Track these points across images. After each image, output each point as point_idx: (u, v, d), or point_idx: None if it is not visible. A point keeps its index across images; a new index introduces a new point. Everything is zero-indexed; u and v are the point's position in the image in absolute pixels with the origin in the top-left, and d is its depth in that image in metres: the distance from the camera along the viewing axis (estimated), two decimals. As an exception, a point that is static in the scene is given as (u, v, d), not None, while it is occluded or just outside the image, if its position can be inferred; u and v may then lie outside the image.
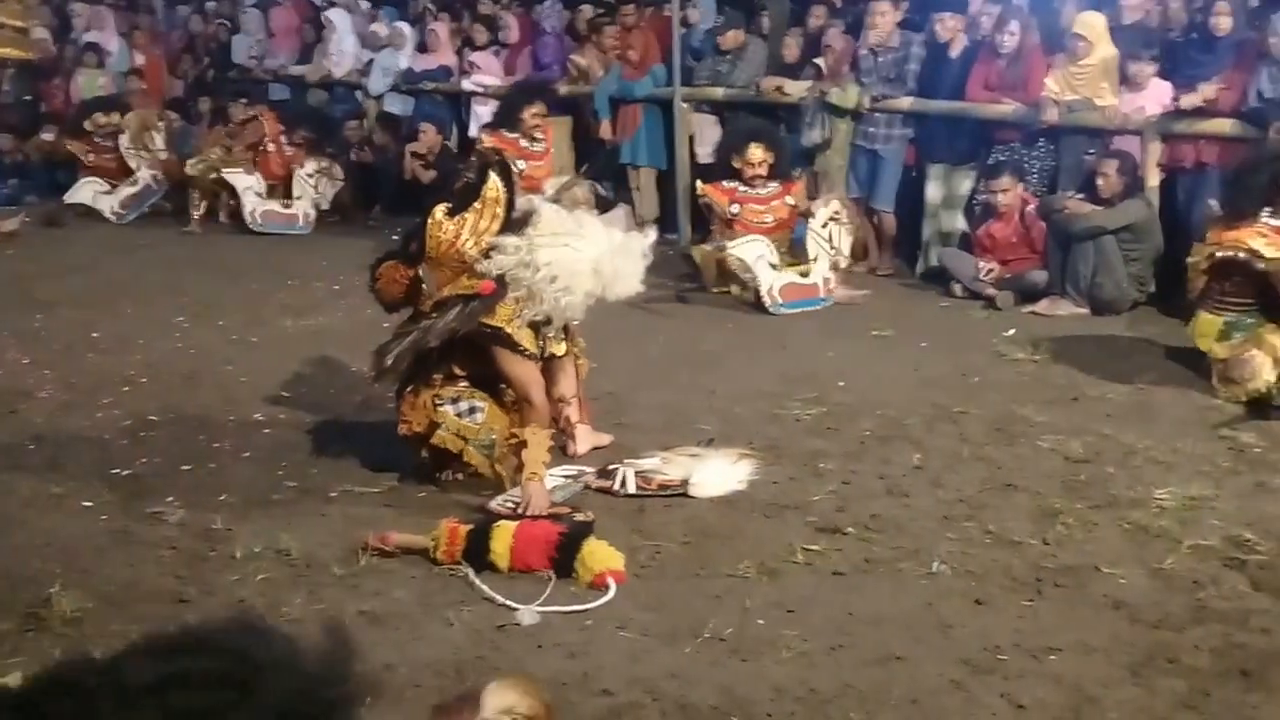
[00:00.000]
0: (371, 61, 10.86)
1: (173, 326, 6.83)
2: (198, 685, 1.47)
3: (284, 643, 1.63)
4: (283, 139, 10.02)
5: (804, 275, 7.40)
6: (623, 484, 4.49)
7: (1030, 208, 7.36)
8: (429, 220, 4.40)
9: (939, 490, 4.52)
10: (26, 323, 6.84)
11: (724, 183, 7.66)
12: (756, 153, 7.48)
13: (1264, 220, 5.62)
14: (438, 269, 4.50)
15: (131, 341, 6.50)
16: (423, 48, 10.66)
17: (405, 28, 10.87)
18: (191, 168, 9.84)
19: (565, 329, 4.68)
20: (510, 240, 4.31)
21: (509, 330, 4.31)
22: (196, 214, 9.66)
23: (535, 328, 4.39)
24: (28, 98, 11.73)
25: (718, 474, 4.53)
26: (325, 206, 10.07)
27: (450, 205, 4.40)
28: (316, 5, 12.38)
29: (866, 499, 4.44)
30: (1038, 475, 4.64)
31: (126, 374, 5.95)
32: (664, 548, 4.05)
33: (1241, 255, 5.62)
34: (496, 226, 4.36)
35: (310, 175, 10.00)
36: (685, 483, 4.48)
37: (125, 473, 4.63)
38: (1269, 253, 5.52)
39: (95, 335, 6.63)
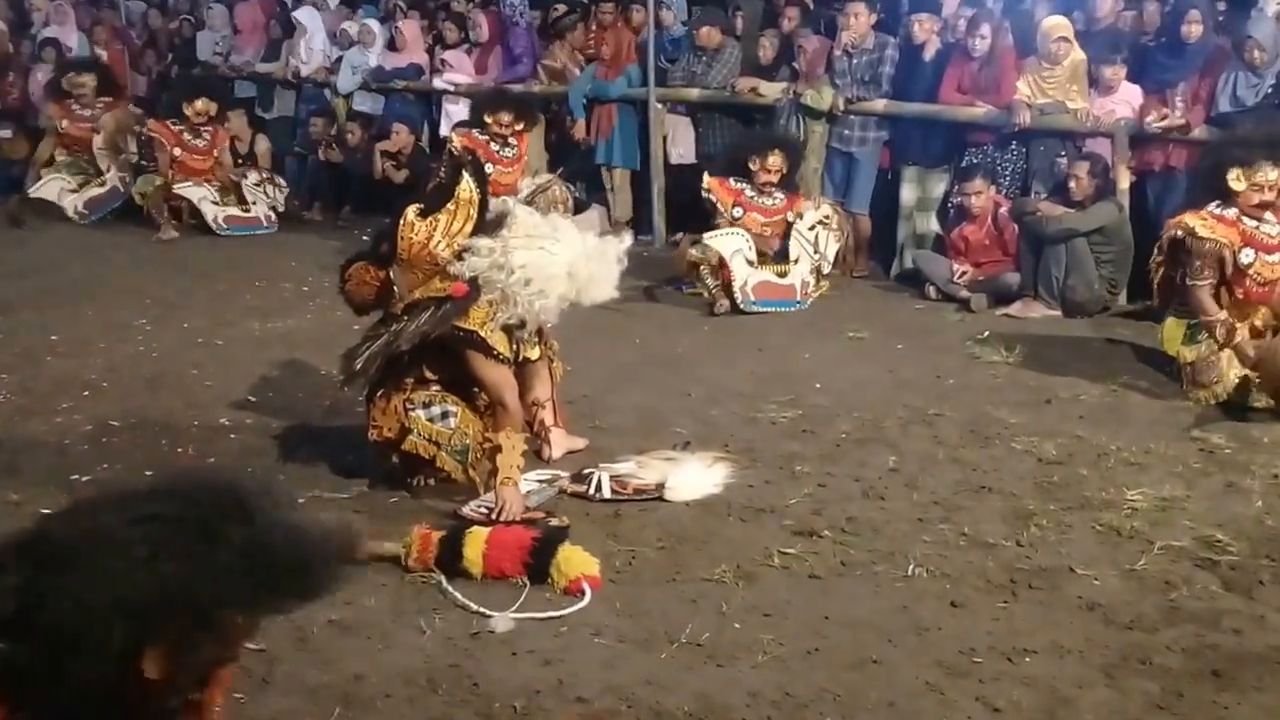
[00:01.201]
0: (340, 59, 10.75)
1: (135, 329, 6.70)
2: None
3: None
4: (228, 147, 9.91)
5: (781, 275, 7.37)
6: (598, 489, 4.44)
7: (1003, 210, 7.39)
8: (400, 221, 4.34)
9: (914, 492, 4.52)
10: (-15, 326, 6.70)
11: (731, 181, 7.56)
12: (776, 161, 7.46)
13: (1209, 209, 5.70)
14: (409, 271, 4.43)
15: (92, 344, 6.37)
16: (393, 45, 10.57)
17: (375, 25, 10.78)
18: (138, 194, 9.68)
19: (539, 332, 4.63)
20: (484, 242, 4.26)
21: (482, 334, 4.25)
22: (163, 219, 9.47)
23: (509, 331, 4.33)
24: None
25: (693, 478, 4.50)
26: (281, 210, 9.98)
27: (422, 206, 4.35)
28: (283, 2, 12.28)
29: (842, 502, 4.43)
30: (1012, 477, 4.65)
31: (87, 378, 5.84)
32: (639, 553, 4.02)
33: (1179, 234, 5.70)
34: (470, 228, 4.31)
35: (256, 184, 9.92)
36: (660, 487, 4.44)
37: (86, 479, 4.53)
38: (1203, 231, 5.60)
39: (54, 338, 6.50)
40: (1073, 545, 4.04)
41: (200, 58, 11.90)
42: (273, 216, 9.83)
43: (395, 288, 4.51)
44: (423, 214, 4.34)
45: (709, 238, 7.34)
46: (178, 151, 9.63)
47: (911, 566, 3.88)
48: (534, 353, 4.52)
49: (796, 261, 7.43)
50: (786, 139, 7.89)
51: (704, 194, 7.61)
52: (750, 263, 7.29)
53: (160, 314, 7.00)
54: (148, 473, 4.66)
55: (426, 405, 4.37)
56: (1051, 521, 4.21)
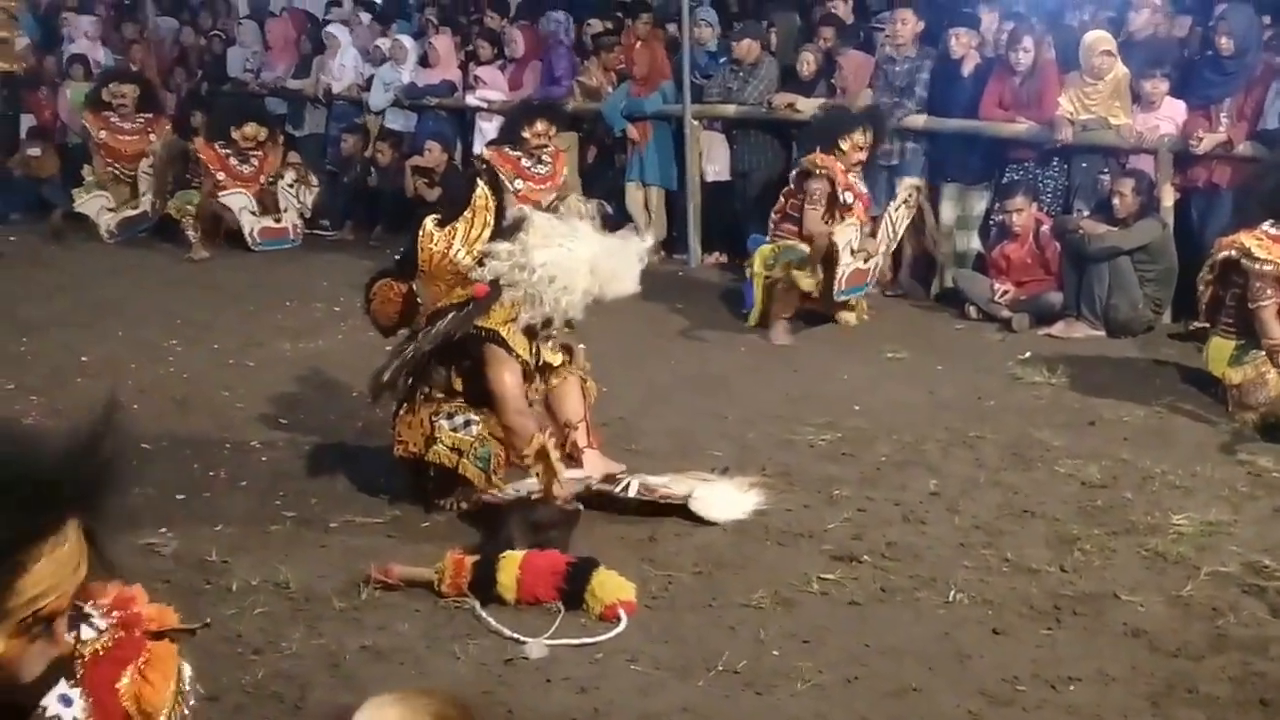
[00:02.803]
0: (372, 76, 10.76)
1: (166, 350, 6.69)
2: None
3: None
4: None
5: (865, 260, 7.16)
6: (625, 489, 4.40)
7: (1044, 228, 7.29)
8: (420, 233, 4.39)
9: (955, 517, 4.45)
10: (12, 346, 6.69)
11: (839, 164, 7.12)
12: (863, 137, 7.12)
13: (1264, 229, 5.60)
14: (432, 283, 4.48)
15: (122, 365, 6.36)
16: (425, 62, 10.57)
17: (407, 41, 10.77)
18: (174, 209, 9.67)
19: (570, 351, 4.61)
20: (503, 246, 4.28)
21: (504, 333, 4.23)
22: (195, 237, 9.48)
23: (531, 334, 4.30)
24: (9, 112, 11.52)
25: (724, 496, 4.44)
26: (308, 214, 10.00)
27: (440, 216, 4.40)
28: (314, 18, 12.32)
29: (882, 526, 4.38)
30: (1055, 501, 4.58)
31: (117, 399, 5.80)
32: (676, 578, 3.97)
33: (1234, 254, 5.61)
34: (487, 234, 4.34)
35: (290, 185, 9.92)
36: (688, 498, 4.37)
37: (117, 502, 4.50)
38: (1260, 252, 5.51)
39: (84, 359, 6.50)
40: (1117, 571, 3.99)
41: (230, 74, 11.94)
42: (299, 227, 9.86)
43: (419, 301, 4.52)
44: (441, 223, 4.40)
45: (837, 232, 7.01)
46: (222, 176, 9.61)
47: (953, 592, 3.83)
48: (554, 357, 4.49)
49: (880, 243, 7.27)
50: (873, 114, 7.59)
51: (812, 170, 7.11)
52: (854, 252, 7.07)
53: (191, 334, 6.99)
54: (179, 496, 4.65)
55: (450, 415, 4.37)
56: (1096, 546, 4.16)
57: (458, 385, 4.41)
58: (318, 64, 11.18)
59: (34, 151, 10.92)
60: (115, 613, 1.92)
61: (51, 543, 1.67)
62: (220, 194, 9.56)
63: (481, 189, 4.39)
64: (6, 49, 10.97)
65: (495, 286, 4.25)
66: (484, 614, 3.69)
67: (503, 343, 4.23)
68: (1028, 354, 6.55)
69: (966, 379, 6.18)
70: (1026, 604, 3.76)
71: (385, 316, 4.67)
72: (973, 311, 7.41)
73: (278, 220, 9.76)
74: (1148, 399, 5.78)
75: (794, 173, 7.44)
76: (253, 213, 9.63)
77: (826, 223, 7.02)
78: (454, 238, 4.36)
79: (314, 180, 10.12)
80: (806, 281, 6.85)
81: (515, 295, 4.24)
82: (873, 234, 7.19)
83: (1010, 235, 7.39)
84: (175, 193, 9.93)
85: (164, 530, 4.31)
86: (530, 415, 4.31)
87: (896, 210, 7.35)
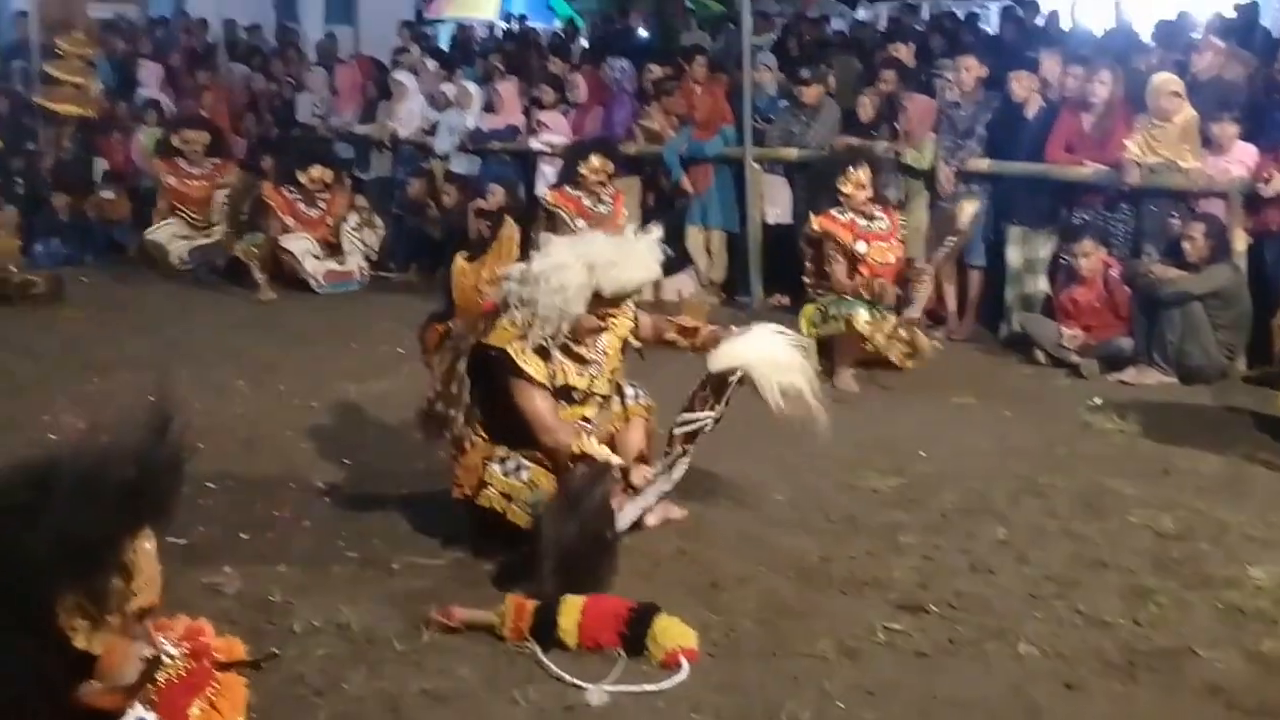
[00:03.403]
0: (438, 121, 10.89)
1: (232, 390, 6.75)
2: None
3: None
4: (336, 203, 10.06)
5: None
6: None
7: (1113, 272, 7.19)
8: (453, 270, 4.49)
9: (1025, 567, 4.37)
10: (83, 386, 6.76)
11: (834, 213, 6.98)
12: (862, 174, 6.93)
13: None
14: (467, 318, 4.51)
15: (189, 406, 6.41)
16: (490, 107, 10.69)
17: (472, 87, 10.90)
18: (241, 251, 9.80)
19: (637, 394, 4.60)
20: (515, 268, 4.32)
21: (511, 351, 4.23)
22: (262, 279, 9.60)
23: (544, 354, 4.27)
24: (84, 156, 11.71)
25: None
26: (374, 257, 10.09)
27: (470, 253, 4.51)
28: (381, 65, 12.52)
29: (949, 575, 4.30)
30: (1128, 552, 4.49)
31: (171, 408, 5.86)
32: (738, 625, 3.91)
33: None
34: (510, 264, 4.40)
35: (355, 229, 10.02)
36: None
37: (182, 542, 4.53)
38: None
39: (153, 399, 6.56)
40: (1194, 625, 3.90)
41: (299, 119, 12.14)
42: (365, 269, 9.95)
43: None
44: (470, 259, 4.51)
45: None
46: (290, 220, 9.74)
47: (1023, 645, 3.76)
48: (603, 386, 4.47)
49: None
50: (861, 149, 7.57)
51: (814, 236, 7.05)
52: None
53: (257, 375, 7.04)
54: (243, 535, 4.67)
55: (503, 460, 4.37)
56: (1171, 599, 4.07)
57: (493, 420, 4.42)
58: (384, 109, 11.34)
59: (107, 195, 11.11)
60: (185, 643, 1.97)
61: (143, 538, 1.75)
62: (282, 238, 9.68)
63: (508, 222, 4.45)
64: (82, 95, 11.26)
65: (503, 304, 4.29)
66: (545, 659, 3.66)
67: (513, 364, 4.23)
68: (1098, 400, 6.46)
69: (1035, 425, 6.09)
70: (1100, 658, 3.67)
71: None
72: (1041, 357, 7.32)
73: (342, 263, 9.86)
74: (1222, 447, 5.67)
75: (801, 241, 7.32)
76: (316, 256, 9.74)
77: (851, 278, 6.92)
78: (483, 270, 4.42)
79: (378, 223, 10.22)
80: (867, 327, 6.78)
81: (524, 312, 4.25)
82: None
83: (1079, 279, 7.30)
84: (245, 233, 10.09)
85: (228, 569, 4.32)
86: (563, 429, 4.29)
87: (951, 239, 7.29)
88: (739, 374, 4.48)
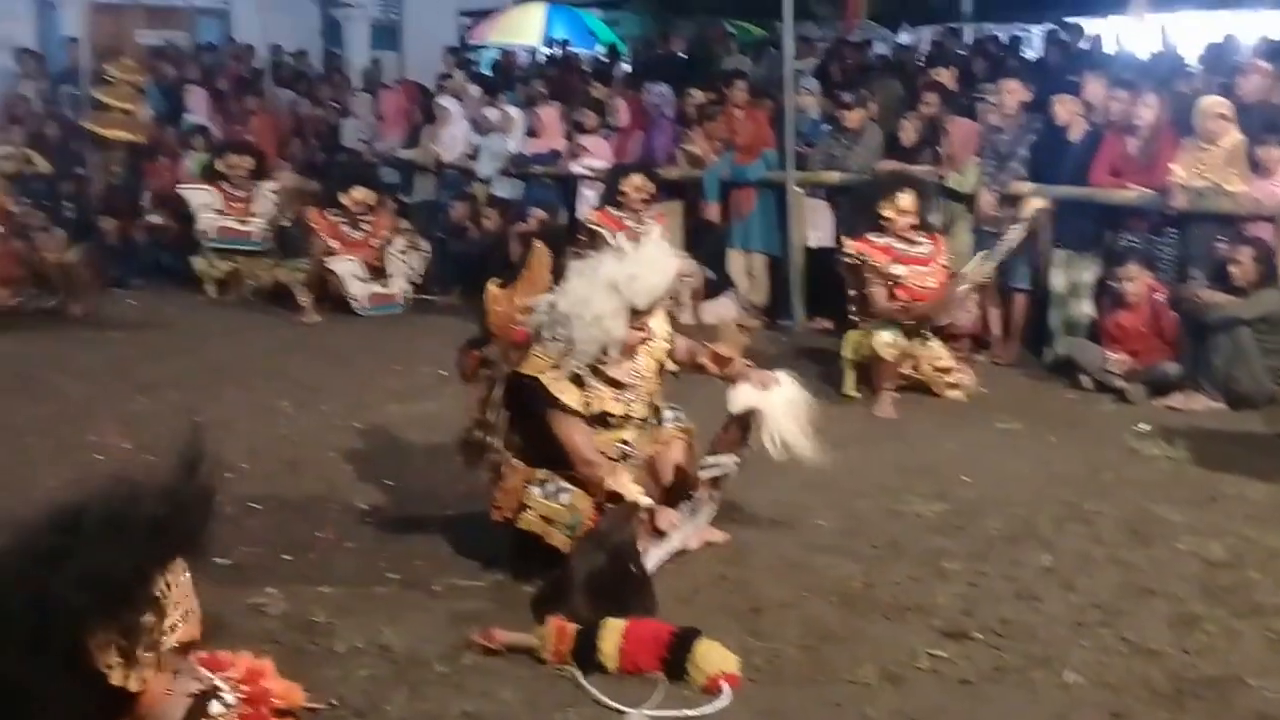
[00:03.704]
0: (480, 146, 10.97)
1: (276, 411, 6.80)
2: None
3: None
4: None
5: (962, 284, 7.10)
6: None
7: (1159, 297, 7.12)
8: (486, 297, 4.50)
9: (1071, 594, 4.32)
10: (129, 406, 6.83)
11: (871, 237, 6.99)
12: (907, 200, 6.91)
13: None
14: (501, 343, 4.52)
15: (234, 426, 6.46)
16: (532, 132, 10.76)
17: (515, 112, 10.99)
18: (285, 274, 9.89)
19: (677, 417, 4.60)
20: (543, 301, 4.32)
21: (545, 380, 4.23)
22: (306, 301, 9.69)
23: (580, 382, 4.27)
24: (132, 181, 11.86)
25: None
26: (418, 280, 10.15)
27: (502, 279, 4.52)
28: (425, 90, 12.63)
29: (994, 602, 4.25)
30: (1176, 579, 4.43)
31: (229, 460, 5.92)
32: (780, 651, 3.88)
33: None
34: (542, 289, 4.40)
35: (401, 252, 10.08)
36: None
37: (226, 562, 4.56)
38: None
39: (198, 419, 6.61)
40: (1243, 654, 3.84)
41: (345, 144, 12.26)
42: (408, 292, 10.01)
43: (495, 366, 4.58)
44: (502, 285, 4.50)
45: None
46: (334, 243, 9.80)
47: (1069, 673, 3.71)
48: (640, 410, 4.45)
49: (987, 259, 7.22)
50: (909, 174, 7.52)
51: (850, 260, 7.08)
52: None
53: (301, 397, 7.09)
54: (286, 556, 4.70)
55: (543, 484, 4.38)
56: (1220, 628, 4.01)
57: (531, 444, 4.42)
58: (428, 134, 11.44)
59: (155, 219, 11.28)
60: (244, 688, 1.96)
61: (174, 571, 1.74)
62: (328, 260, 9.75)
63: (539, 246, 4.46)
64: (132, 120, 11.41)
65: (536, 335, 4.30)
66: (585, 683, 3.65)
67: (547, 393, 4.23)
68: (1145, 426, 6.39)
69: (1081, 451, 6.03)
70: (1147, 687, 3.62)
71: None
72: (1086, 382, 7.25)
73: (385, 286, 9.92)
74: (1271, 473, 5.58)
75: (841, 265, 7.30)
76: (360, 279, 9.81)
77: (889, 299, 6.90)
78: (514, 295, 4.43)
79: (424, 246, 10.27)
80: (888, 350, 6.77)
81: (557, 342, 4.25)
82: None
83: (1124, 304, 7.23)
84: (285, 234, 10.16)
85: (271, 590, 4.35)
86: (599, 461, 4.29)
87: (1014, 229, 7.24)
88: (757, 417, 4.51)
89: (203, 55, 15.00)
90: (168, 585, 1.78)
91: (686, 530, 4.56)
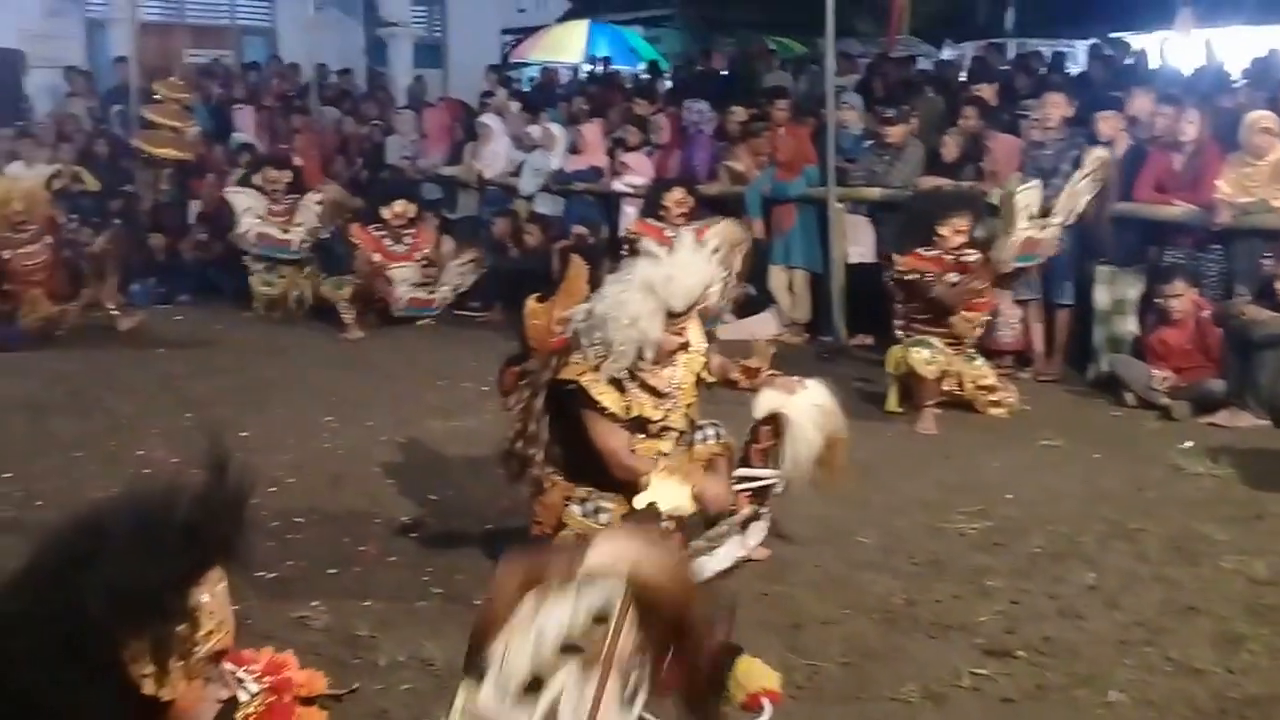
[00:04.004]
0: (523, 162, 11.04)
1: (321, 427, 6.86)
2: None
3: None
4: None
5: (1042, 229, 7.02)
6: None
7: (1205, 313, 7.05)
8: (525, 312, 4.54)
9: (1115, 612, 4.30)
10: (176, 421, 6.92)
11: (921, 251, 7.00)
12: (964, 222, 6.93)
13: None
14: (542, 358, 4.53)
15: (280, 441, 6.54)
16: (574, 149, 10.82)
17: (556, 129, 11.05)
18: (330, 290, 9.94)
19: (718, 433, 4.60)
20: (579, 310, 4.36)
21: (584, 382, 4.24)
22: (349, 318, 9.76)
23: (620, 386, 4.28)
24: (179, 198, 11.99)
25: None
26: (465, 289, 10.24)
27: (540, 294, 4.55)
28: (468, 107, 12.73)
29: (1037, 620, 4.23)
30: (1220, 598, 4.39)
31: (274, 474, 5.98)
32: (822, 668, 3.89)
33: None
34: (580, 302, 4.43)
35: (462, 265, 10.16)
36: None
37: (271, 575, 4.61)
38: None
39: (244, 435, 6.70)
40: (1288, 673, 3.78)
41: (389, 161, 12.36)
42: (449, 300, 10.12)
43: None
44: (541, 299, 4.53)
45: (1021, 189, 7.00)
46: (378, 257, 9.86)
47: (1113, 692, 3.69)
48: (678, 420, 4.46)
49: (1056, 214, 7.10)
50: (962, 197, 7.44)
51: (899, 277, 7.05)
52: (1031, 218, 6.97)
53: (345, 412, 7.15)
54: (330, 570, 4.74)
55: (582, 501, 4.39)
56: (1264, 647, 3.98)
57: (571, 458, 4.44)
58: (470, 151, 11.52)
59: (201, 236, 11.41)
60: (267, 678, 1.97)
61: (209, 580, 1.75)
62: (387, 267, 9.81)
63: (576, 260, 4.51)
64: (179, 138, 11.55)
65: (574, 341, 4.32)
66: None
67: (587, 396, 4.24)
68: (1190, 443, 6.33)
69: (1125, 468, 5.98)
70: (1191, 706, 3.60)
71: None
72: (1130, 398, 7.18)
73: (431, 292, 10.01)
74: (1318, 492, 5.51)
75: (889, 282, 7.27)
76: (411, 283, 9.89)
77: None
78: (553, 309, 4.46)
79: (485, 262, 10.30)
80: (928, 368, 6.75)
81: (595, 347, 4.27)
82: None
83: (1169, 320, 7.16)
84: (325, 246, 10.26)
85: (315, 603, 4.40)
86: (638, 461, 4.30)
87: (1080, 182, 7.16)
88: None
89: (249, 74, 15.19)
90: (201, 595, 1.79)
91: (734, 550, 4.55)
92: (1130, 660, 3.91)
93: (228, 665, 1.90)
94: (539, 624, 1.84)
